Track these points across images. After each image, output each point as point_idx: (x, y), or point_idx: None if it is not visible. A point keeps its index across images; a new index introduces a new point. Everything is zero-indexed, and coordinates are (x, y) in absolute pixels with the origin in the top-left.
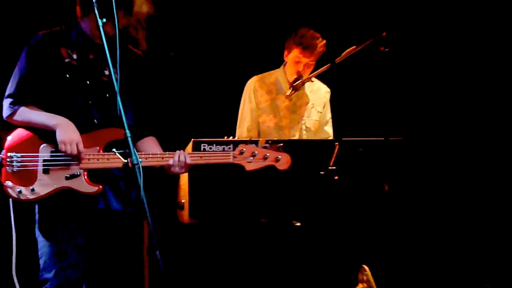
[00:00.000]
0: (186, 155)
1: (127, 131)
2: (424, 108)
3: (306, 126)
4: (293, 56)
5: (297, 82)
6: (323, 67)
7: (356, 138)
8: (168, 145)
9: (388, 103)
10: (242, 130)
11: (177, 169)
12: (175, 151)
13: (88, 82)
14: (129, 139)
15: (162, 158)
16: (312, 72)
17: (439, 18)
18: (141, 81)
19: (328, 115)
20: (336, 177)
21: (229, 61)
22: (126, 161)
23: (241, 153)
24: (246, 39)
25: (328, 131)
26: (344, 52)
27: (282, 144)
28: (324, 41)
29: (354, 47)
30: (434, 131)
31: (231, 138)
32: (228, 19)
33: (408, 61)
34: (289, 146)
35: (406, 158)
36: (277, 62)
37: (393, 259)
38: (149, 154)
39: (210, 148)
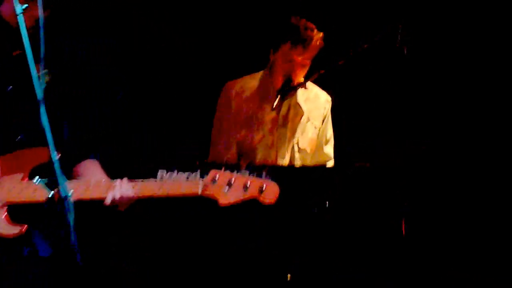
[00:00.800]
0: (127, 186)
1: (52, 152)
2: (452, 119)
3: (299, 146)
4: (281, 53)
5: (286, 88)
6: (322, 70)
7: (366, 163)
8: (116, 170)
9: (406, 115)
10: (216, 151)
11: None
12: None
13: (10, 87)
14: (56, 162)
15: (101, 187)
16: (307, 75)
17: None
18: (81, 84)
19: (329, 131)
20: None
21: (200, 59)
22: (52, 192)
23: (214, 181)
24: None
25: (329, 153)
26: (351, 51)
27: (267, 169)
28: (321, 34)
29: (365, 46)
30: (462, 145)
31: (197, 163)
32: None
33: (431, 61)
34: (277, 173)
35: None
36: (262, 62)
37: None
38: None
39: (171, 176)
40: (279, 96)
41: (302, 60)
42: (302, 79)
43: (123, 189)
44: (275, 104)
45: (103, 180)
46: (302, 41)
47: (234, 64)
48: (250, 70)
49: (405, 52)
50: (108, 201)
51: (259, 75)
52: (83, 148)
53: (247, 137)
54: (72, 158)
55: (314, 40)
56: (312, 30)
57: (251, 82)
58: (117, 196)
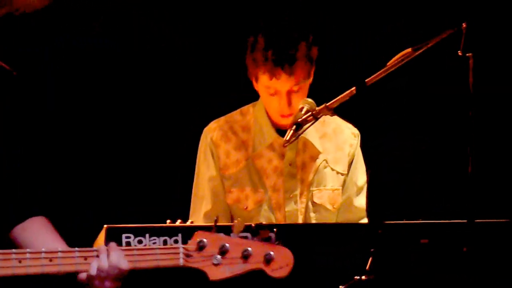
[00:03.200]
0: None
1: None
2: None
3: (314, 202)
4: (262, 85)
5: (305, 116)
6: (346, 93)
7: (415, 220)
8: (69, 235)
9: (473, 150)
10: (197, 219)
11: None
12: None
13: None
14: None
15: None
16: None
17: None
18: (13, 118)
19: (361, 178)
20: None
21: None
22: None
23: (200, 247)
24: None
25: (362, 206)
26: (392, 60)
27: (276, 230)
28: (306, 40)
29: (409, 50)
30: None
31: (178, 222)
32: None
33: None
34: (288, 232)
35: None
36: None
37: None
38: (40, 251)
39: (141, 242)
40: (294, 126)
41: (291, 87)
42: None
43: (113, 256)
44: (287, 136)
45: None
46: (282, 66)
47: (214, 99)
48: (237, 104)
49: (471, 62)
50: (93, 271)
51: (251, 108)
52: (22, 204)
53: (240, 199)
54: (4, 216)
55: (299, 57)
56: (295, 43)
57: (240, 120)
58: (105, 266)
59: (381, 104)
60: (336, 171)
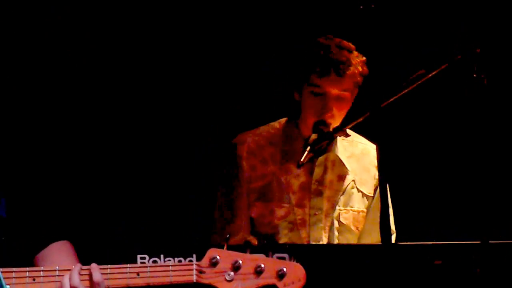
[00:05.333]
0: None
1: None
2: None
3: (339, 221)
4: (309, 85)
5: (319, 136)
6: (368, 111)
7: (429, 241)
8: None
9: (490, 175)
10: (220, 235)
11: None
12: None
13: None
14: None
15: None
16: (348, 119)
17: None
18: (22, 137)
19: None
20: None
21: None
22: None
23: (212, 264)
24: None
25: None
26: (406, 82)
27: (287, 246)
28: (364, 58)
29: (422, 71)
30: None
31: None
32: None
33: None
34: (305, 252)
35: None
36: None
37: None
38: (24, 270)
39: (156, 263)
40: (308, 148)
41: (338, 92)
42: (341, 123)
43: (95, 276)
44: (302, 158)
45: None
46: (336, 66)
47: (245, 112)
48: (266, 119)
49: (486, 82)
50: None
51: (280, 123)
52: (39, 229)
53: (264, 213)
54: (26, 240)
55: (353, 64)
56: (350, 51)
57: (270, 133)
58: (76, 282)
59: (396, 125)
60: (362, 192)
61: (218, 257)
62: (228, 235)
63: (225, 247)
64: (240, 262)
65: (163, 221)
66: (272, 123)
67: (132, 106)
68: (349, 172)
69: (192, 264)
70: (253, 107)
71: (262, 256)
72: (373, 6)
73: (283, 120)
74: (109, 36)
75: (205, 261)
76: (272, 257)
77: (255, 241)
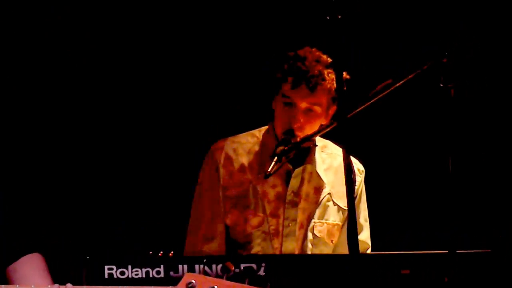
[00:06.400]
0: None
1: None
2: None
3: (314, 234)
4: (281, 95)
5: (285, 147)
6: (333, 122)
7: (397, 251)
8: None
9: (456, 185)
10: (195, 239)
11: None
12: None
13: None
14: None
15: None
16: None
17: None
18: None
19: (363, 213)
20: None
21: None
22: None
23: None
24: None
25: (365, 240)
26: (373, 91)
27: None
28: (344, 74)
29: (389, 80)
30: None
31: (164, 253)
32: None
33: (489, 105)
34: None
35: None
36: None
37: None
38: None
39: (123, 274)
40: (275, 158)
41: (308, 105)
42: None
43: None
44: (270, 168)
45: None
46: (307, 79)
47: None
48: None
49: (452, 93)
50: None
51: (260, 131)
52: (10, 242)
53: (239, 221)
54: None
55: (327, 79)
56: (328, 66)
57: (247, 141)
58: None
59: (363, 135)
60: (338, 206)
61: (194, 282)
62: (204, 260)
63: (201, 268)
64: None
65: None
66: (252, 131)
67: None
68: (326, 185)
69: None
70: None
71: (238, 284)
72: (339, 17)
73: (263, 128)
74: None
75: (181, 285)
76: (248, 284)
77: (232, 267)
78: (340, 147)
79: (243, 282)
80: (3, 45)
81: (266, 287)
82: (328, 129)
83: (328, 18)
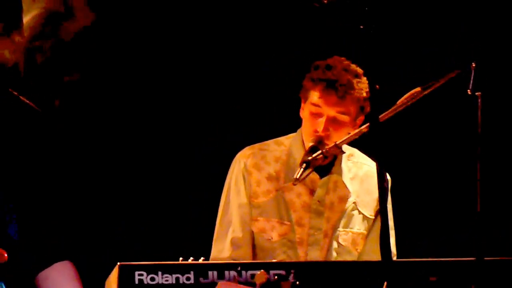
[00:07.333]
0: None
1: None
2: None
3: (338, 242)
4: (309, 103)
5: (315, 154)
6: (363, 127)
7: (424, 258)
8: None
9: (483, 192)
10: (222, 246)
11: None
12: None
13: None
14: None
15: None
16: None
17: None
18: (37, 159)
19: (389, 222)
20: None
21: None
22: None
23: None
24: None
25: (391, 249)
26: (401, 99)
27: (298, 283)
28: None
29: (418, 89)
30: None
31: (191, 260)
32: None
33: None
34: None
35: None
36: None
37: None
38: None
39: (153, 280)
40: (304, 165)
41: (336, 114)
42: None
43: None
44: (298, 175)
45: None
46: (337, 88)
47: (245, 112)
48: (266, 119)
49: (480, 101)
50: None
51: (287, 139)
52: (46, 249)
53: (266, 229)
54: (30, 261)
55: (356, 88)
56: (356, 76)
57: (275, 149)
58: None
59: (392, 142)
60: (363, 214)
61: None
62: (239, 268)
63: (235, 276)
64: None
65: (160, 234)
66: (279, 139)
67: (132, 106)
68: (351, 194)
69: None
70: (253, 107)
71: None
72: (362, 27)
73: (291, 135)
74: (109, 36)
75: None
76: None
77: (264, 276)
78: (371, 158)
79: None
80: None
81: (290, 275)
82: (357, 136)
83: (362, 27)
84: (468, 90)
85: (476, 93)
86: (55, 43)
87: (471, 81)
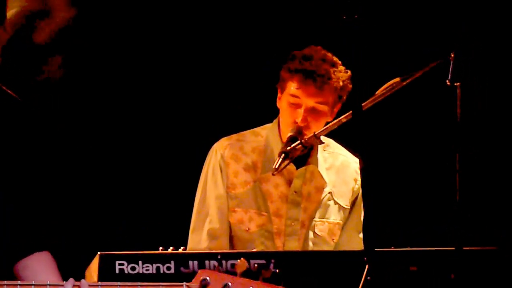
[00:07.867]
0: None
1: None
2: None
3: (315, 233)
4: (287, 94)
5: (294, 144)
6: (342, 117)
7: (404, 248)
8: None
9: (462, 182)
10: (199, 237)
11: None
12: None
13: None
14: None
15: None
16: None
17: None
18: (17, 149)
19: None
20: None
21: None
22: None
23: (203, 286)
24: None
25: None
26: (380, 89)
27: (278, 271)
28: (349, 73)
29: (397, 79)
30: None
31: (170, 249)
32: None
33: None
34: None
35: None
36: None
37: None
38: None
39: (134, 269)
40: (283, 155)
41: (315, 104)
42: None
43: None
44: (277, 165)
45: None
46: (314, 78)
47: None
48: (266, 119)
49: (459, 91)
50: None
51: (263, 129)
52: (23, 238)
53: (243, 220)
54: (9, 250)
55: (333, 78)
56: (334, 65)
57: (252, 140)
58: None
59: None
60: (339, 204)
61: (208, 279)
62: (219, 256)
63: (217, 267)
64: (230, 285)
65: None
66: (256, 129)
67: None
68: (327, 184)
69: (182, 285)
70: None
71: (251, 281)
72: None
73: (267, 126)
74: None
75: (195, 282)
76: (262, 281)
77: (244, 265)
78: (352, 148)
79: (257, 279)
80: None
81: (269, 265)
82: (336, 126)
83: (344, 18)
84: (447, 81)
85: (455, 83)
86: (31, 42)
87: (450, 72)
